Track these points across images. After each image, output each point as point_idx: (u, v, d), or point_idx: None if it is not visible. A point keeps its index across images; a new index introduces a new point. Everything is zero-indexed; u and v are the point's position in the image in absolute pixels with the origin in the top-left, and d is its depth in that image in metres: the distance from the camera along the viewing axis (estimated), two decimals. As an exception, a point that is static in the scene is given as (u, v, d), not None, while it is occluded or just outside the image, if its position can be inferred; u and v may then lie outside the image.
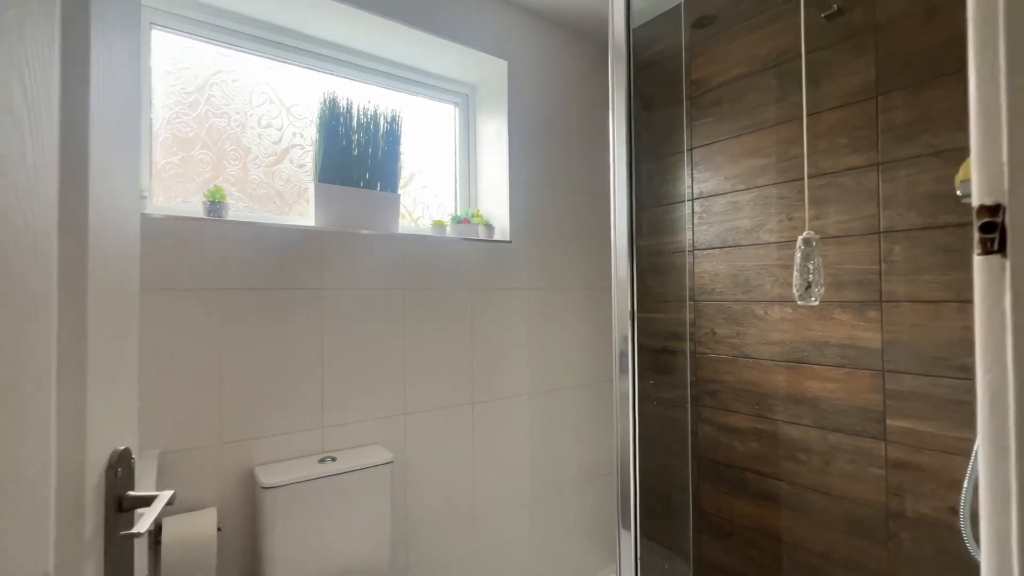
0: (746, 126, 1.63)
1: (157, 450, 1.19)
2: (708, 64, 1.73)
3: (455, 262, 1.72)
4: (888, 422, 1.31)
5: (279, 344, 1.37)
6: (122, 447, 0.50)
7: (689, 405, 1.77)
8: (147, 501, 0.49)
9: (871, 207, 1.34)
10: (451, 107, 2.01)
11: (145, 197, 1.25)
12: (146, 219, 1.20)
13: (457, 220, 1.89)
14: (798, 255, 1.20)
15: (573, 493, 2.01)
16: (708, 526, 1.73)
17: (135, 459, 0.53)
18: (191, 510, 1.22)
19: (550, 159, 1.98)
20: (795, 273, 1.21)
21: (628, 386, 1.30)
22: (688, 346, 1.78)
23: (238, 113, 1.55)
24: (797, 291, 1.20)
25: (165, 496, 0.51)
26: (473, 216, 1.91)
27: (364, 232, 1.53)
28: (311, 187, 1.50)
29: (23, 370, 0.35)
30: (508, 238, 1.85)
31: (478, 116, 2.01)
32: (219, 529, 1.15)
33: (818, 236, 1.23)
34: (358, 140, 1.55)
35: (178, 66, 1.46)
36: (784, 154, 1.53)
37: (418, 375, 1.62)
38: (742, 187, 1.64)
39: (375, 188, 1.59)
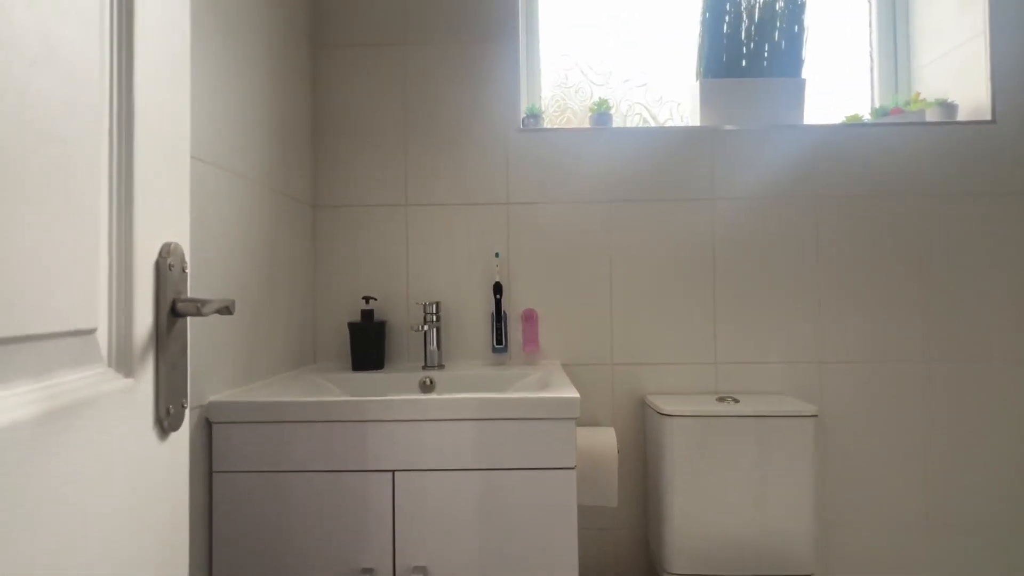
0: None
1: (559, 360, 1.21)
2: None
3: (891, 157, 1.21)
4: None
5: (666, 262, 1.22)
6: (173, 241, 0.46)
7: None
8: (201, 303, 0.45)
9: None
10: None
11: (541, 116, 1.30)
12: (539, 133, 1.24)
13: (882, 112, 1.36)
14: None
15: None
16: None
17: (187, 264, 0.49)
18: (588, 425, 1.19)
19: (1069, -19, 1.20)
20: None
21: None
22: None
23: (605, 31, 1.48)
24: None
25: (225, 301, 0.47)
26: (909, 103, 1.33)
27: (760, 128, 1.22)
28: (694, 87, 1.29)
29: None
30: (989, 117, 1.20)
31: (912, -38, 1.40)
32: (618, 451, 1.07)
33: None
34: (749, 19, 1.26)
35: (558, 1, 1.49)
36: None
37: (837, 311, 1.20)
38: None
39: (771, 76, 1.26)
